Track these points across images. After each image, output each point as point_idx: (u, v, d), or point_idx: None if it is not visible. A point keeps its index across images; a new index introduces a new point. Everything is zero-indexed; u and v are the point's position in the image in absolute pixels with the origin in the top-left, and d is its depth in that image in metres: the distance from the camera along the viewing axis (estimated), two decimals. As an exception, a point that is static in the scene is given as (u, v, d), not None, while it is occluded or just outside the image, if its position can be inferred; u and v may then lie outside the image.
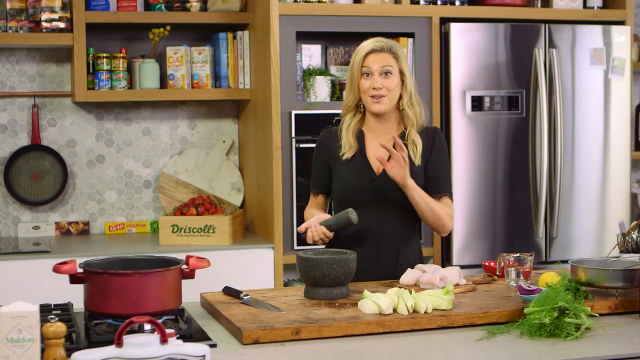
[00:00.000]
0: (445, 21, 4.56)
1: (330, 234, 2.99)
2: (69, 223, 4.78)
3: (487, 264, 3.12)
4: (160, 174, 4.86)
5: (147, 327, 2.41)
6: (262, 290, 2.93)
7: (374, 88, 3.07)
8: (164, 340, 2.06)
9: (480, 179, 4.56)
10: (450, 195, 3.17)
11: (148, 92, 4.59)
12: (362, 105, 3.17)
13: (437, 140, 3.19)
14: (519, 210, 4.63)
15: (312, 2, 4.45)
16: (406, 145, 3.08)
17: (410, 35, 4.55)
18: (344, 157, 3.13)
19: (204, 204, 4.49)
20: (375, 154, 3.10)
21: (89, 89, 4.53)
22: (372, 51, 3.10)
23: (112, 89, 4.58)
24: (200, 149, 4.90)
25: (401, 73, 3.11)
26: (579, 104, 4.69)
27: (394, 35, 4.55)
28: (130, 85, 4.69)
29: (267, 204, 4.42)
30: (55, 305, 2.68)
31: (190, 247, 4.32)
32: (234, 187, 4.84)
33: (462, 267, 4.44)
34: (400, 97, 3.13)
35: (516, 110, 4.59)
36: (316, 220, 3.00)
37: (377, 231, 3.09)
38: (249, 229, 4.76)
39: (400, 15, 4.51)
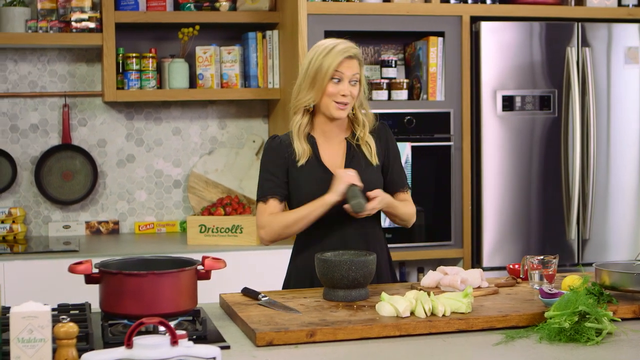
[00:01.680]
0: (475, 20, 4.51)
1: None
2: (99, 222, 4.79)
3: (511, 266, 3.07)
4: (190, 174, 4.86)
5: (162, 328, 2.40)
6: (281, 291, 2.91)
7: (342, 95, 2.98)
8: (174, 341, 2.04)
9: (511, 180, 4.50)
10: (408, 187, 3.19)
11: (177, 92, 4.60)
12: (312, 106, 3.05)
13: (389, 136, 3.15)
14: (551, 212, 4.56)
15: (341, 1, 4.42)
16: (359, 146, 3.06)
17: (440, 34, 4.50)
18: (299, 164, 3.03)
19: (232, 204, 4.48)
20: (329, 158, 3.06)
21: (118, 88, 4.55)
22: (348, 57, 2.98)
23: (141, 88, 4.59)
24: (230, 149, 4.90)
25: (360, 79, 3.05)
26: (614, 103, 4.61)
27: (424, 35, 4.52)
28: (160, 85, 4.70)
29: (295, 204, 4.40)
30: (72, 305, 2.68)
31: (217, 247, 4.31)
32: (263, 187, 4.82)
33: (492, 269, 4.43)
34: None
35: (548, 110, 4.52)
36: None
37: (341, 233, 3.01)
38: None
39: (430, 14, 4.47)
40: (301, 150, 3.03)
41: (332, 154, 3.07)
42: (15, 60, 4.69)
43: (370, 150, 3.07)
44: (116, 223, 4.82)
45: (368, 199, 2.91)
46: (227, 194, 4.78)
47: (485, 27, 4.45)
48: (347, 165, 3.04)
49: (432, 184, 4.52)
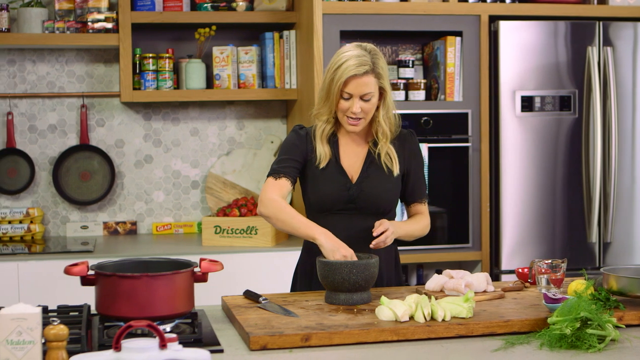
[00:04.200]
0: (494, 19, 4.45)
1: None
2: (117, 223, 4.79)
3: (520, 270, 3.01)
4: (208, 175, 4.85)
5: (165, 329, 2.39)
6: (284, 294, 2.87)
7: (353, 112, 2.93)
8: (163, 345, 2.02)
9: (531, 181, 4.43)
10: (426, 198, 3.16)
11: (193, 92, 4.58)
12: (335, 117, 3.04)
13: (413, 145, 3.10)
14: (572, 214, 4.48)
15: (357, 0, 4.38)
16: (379, 157, 3.01)
17: (458, 33, 4.44)
18: (320, 166, 3.00)
19: (247, 205, 4.46)
20: (348, 161, 3.03)
21: (135, 89, 4.54)
22: (353, 76, 2.89)
23: (157, 89, 4.58)
24: (248, 150, 4.87)
25: (382, 89, 2.96)
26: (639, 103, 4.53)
27: (441, 34, 4.46)
28: (177, 85, 4.69)
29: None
30: (72, 306, 2.66)
31: (232, 248, 4.29)
32: (280, 188, 4.79)
33: (511, 272, 4.37)
34: (378, 108, 2.99)
35: (568, 111, 4.44)
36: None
37: (353, 238, 2.93)
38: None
39: (447, 14, 4.41)
40: (323, 153, 3.01)
41: (352, 158, 3.04)
42: (33, 61, 4.70)
43: (391, 159, 3.02)
44: (134, 224, 4.81)
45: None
46: (244, 195, 4.75)
47: (504, 26, 4.38)
48: (365, 171, 3.01)
49: (450, 185, 4.46)
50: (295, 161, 3.02)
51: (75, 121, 4.75)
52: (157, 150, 4.84)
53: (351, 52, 2.92)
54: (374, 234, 2.85)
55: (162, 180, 4.86)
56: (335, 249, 2.76)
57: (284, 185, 2.98)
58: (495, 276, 4.45)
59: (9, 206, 4.69)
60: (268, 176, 3.01)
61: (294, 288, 3.16)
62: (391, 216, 3.07)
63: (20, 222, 4.61)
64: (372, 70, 2.91)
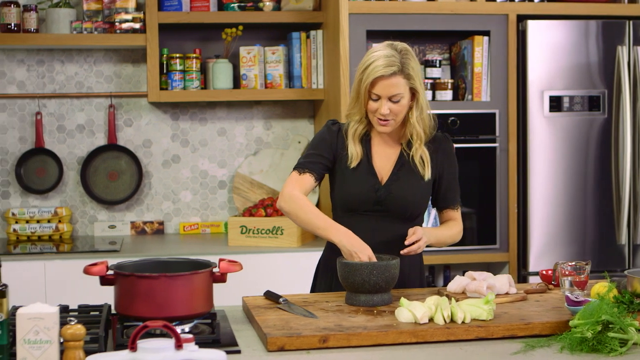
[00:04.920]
0: (522, 18, 4.40)
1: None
2: (144, 222, 4.81)
3: (544, 272, 2.97)
4: (235, 175, 4.85)
5: (177, 330, 2.38)
6: (304, 295, 2.86)
7: (381, 114, 2.88)
8: (178, 345, 2.02)
9: (559, 182, 4.38)
10: (459, 204, 3.11)
11: (220, 92, 4.58)
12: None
13: (448, 150, 3.05)
14: (601, 216, 4.43)
15: (384, 0, 4.36)
16: (412, 159, 2.97)
17: (486, 33, 4.40)
18: (351, 166, 2.96)
19: (273, 205, 4.45)
20: (379, 163, 2.98)
21: (162, 89, 4.56)
22: (380, 77, 2.84)
23: (184, 89, 4.59)
24: (275, 150, 4.87)
25: (413, 89, 2.90)
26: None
27: (469, 34, 4.43)
28: (205, 85, 4.70)
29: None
30: (93, 306, 2.67)
31: (258, 248, 4.29)
32: (307, 188, 4.78)
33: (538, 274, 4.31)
34: (411, 108, 2.94)
35: (597, 111, 4.39)
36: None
37: (378, 240, 2.90)
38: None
39: (475, 13, 4.38)
40: (354, 153, 2.96)
41: (384, 159, 3.00)
42: (62, 61, 4.73)
43: (424, 163, 2.97)
44: (161, 223, 4.83)
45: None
46: (272, 195, 4.75)
47: (532, 25, 4.34)
48: (395, 173, 2.96)
49: (477, 186, 4.42)
50: (322, 157, 2.98)
51: (103, 121, 4.78)
52: (184, 150, 4.85)
53: (380, 52, 2.87)
54: (407, 243, 2.81)
55: (189, 180, 4.87)
56: (353, 251, 2.74)
57: (307, 181, 2.95)
58: (522, 278, 4.41)
59: (37, 205, 4.72)
60: (293, 170, 2.99)
61: (314, 286, 3.14)
62: (419, 221, 3.03)
63: (49, 221, 4.64)
64: (401, 70, 2.85)
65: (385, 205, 2.95)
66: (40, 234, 4.62)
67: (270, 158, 4.85)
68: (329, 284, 3.03)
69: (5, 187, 4.72)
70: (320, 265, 3.14)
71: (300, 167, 2.97)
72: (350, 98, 2.99)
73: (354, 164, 2.96)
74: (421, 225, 3.02)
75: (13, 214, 4.63)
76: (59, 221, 4.65)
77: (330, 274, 3.02)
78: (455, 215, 3.09)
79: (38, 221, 4.63)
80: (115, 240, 4.55)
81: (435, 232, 2.98)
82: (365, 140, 3.01)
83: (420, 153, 2.97)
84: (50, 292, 4.06)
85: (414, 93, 2.91)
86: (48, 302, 3.96)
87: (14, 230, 4.61)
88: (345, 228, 2.83)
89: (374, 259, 2.73)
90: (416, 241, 2.81)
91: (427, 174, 2.97)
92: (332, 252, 3.02)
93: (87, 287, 4.00)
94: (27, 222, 4.63)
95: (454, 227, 3.06)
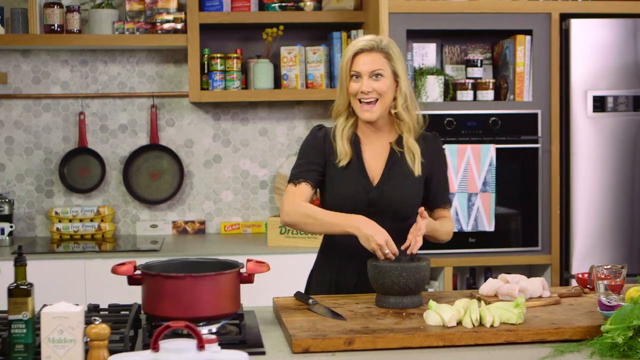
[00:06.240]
0: (565, 17, 4.34)
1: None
2: (186, 222, 4.83)
3: (580, 275, 2.92)
4: (277, 175, 4.85)
5: (205, 331, 2.39)
6: (335, 296, 2.84)
7: (362, 92, 2.84)
8: (200, 346, 2.01)
9: (603, 183, 4.31)
10: (450, 203, 3.08)
11: (261, 92, 4.59)
12: (351, 109, 2.95)
13: (437, 148, 3.01)
14: (646, 218, 4.35)
15: (424, -1, 4.33)
16: (402, 153, 2.92)
17: (528, 32, 4.35)
18: (340, 165, 2.91)
19: (313, 206, 4.44)
20: (370, 162, 2.93)
21: (203, 89, 4.57)
22: (360, 51, 2.85)
23: (225, 89, 4.60)
24: (316, 150, 4.86)
25: (395, 74, 2.87)
26: None
27: (511, 33, 4.38)
28: (246, 85, 4.70)
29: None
30: (122, 305, 2.68)
31: (297, 249, 4.29)
32: (348, 188, 4.76)
33: (582, 276, 4.24)
34: (395, 99, 2.90)
35: (643, 112, 4.32)
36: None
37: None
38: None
39: (517, 12, 4.32)
40: (343, 152, 2.91)
41: (374, 158, 2.95)
42: (105, 62, 4.77)
43: (414, 159, 2.92)
44: (202, 223, 4.84)
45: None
46: (312, 195, 4.74)
47: (575, 24, 4.27)
48: (387, 173, 2.91)
49: (518, 187, 4.37)
50: (314, 163, 2.94)
51: (145, 121, 4.81)
52: (226, 150, 4.86)
53: (362, 37, 2.94)
54: (412, 239, 2.77)
55: (230, 180, 4.88)
56: (370, 235, 2.70)
57: (304, 190, 2.90)
58: (565, 281, 4.34)
59: (80, 205, 4.77)
60: (288, 183, 2.95)
61: (307, 288, 3.10)
62: (412, 221, 2.90)
63: (91, 220, 4.69)
64: (381, 49, 2.86)
65: (378, 207, 2.89)
66: (83, 232, 4.67)
67: (311, 158, 4.83)
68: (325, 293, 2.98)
69: (49, 186, 4.78)
70: (313, 275, 3.10)
71: (295, 179, 2.93)
72: (337, 94, 2.97)
73: (343, 162, 2.91)
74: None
75: (56, 213, 4.68)
76: (102, 220, 4.69)
77: (326, 286, 3.00)
78: (446, 214, 3.04)
79: (81, 220, 4.68)
80: (156, 240, 4.58)
81: (432, 224, 2.89)
82: (354, 141, 2.96)
83: (410, 145, 2.92)
84: (90, 291, 4.10)
85: (396, 81, 2.88)
86: (88, 301, 3.99)
87: (57, 229, 4.66)
88: (356, 215, 2.78)
89: (391, 243, 2.70)
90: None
91: (417, 170, 2.91)
92: (325, 260, 3.02)
93: (126, 286, 4.04)
94: (70, 221, 4.68)
95: (447, 223, 3.01)
